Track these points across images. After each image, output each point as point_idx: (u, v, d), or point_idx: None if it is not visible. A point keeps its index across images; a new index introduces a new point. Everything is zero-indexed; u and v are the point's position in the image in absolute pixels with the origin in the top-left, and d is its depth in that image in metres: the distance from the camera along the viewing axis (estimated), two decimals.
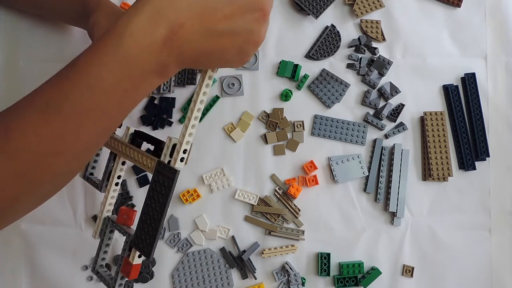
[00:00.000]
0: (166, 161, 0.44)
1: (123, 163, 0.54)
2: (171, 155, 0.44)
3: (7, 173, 0.32)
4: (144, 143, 0.52)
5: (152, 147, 0.49)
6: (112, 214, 0.55)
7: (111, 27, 0.35)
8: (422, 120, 0.70)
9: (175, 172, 0.42)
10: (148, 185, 0.68)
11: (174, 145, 0.44)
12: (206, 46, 0.36)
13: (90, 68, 0.34)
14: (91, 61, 0.34)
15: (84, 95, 0.34)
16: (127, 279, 0.47)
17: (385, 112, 0.69)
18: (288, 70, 0.69)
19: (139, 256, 0.45)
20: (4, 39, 0.70)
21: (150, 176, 0.68)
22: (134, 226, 0.47)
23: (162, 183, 0.42)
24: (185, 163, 0.44)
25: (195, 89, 0.46)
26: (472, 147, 0.70)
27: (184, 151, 0.43)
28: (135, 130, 0.53)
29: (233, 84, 0.70)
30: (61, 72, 0.35)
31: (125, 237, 0.47)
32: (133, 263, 0.45)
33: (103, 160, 0.60)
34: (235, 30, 0.37)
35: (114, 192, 0.53)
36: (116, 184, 0.54)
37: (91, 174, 0.60)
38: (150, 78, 0.36)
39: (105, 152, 0.59)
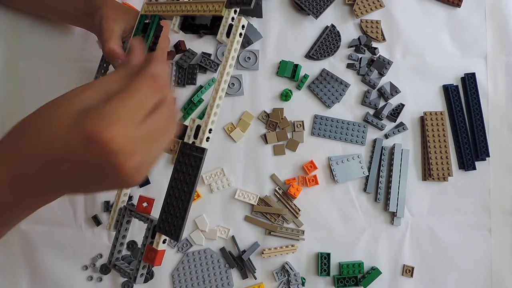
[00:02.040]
0: (190, 142, 0.45)
1: None
2: (195, 137, 0.45)
3: None
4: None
5: None
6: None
7: None
8: (422, 120, 0.70)
9: (203, 151, 0.43)
10: (148, 185, 0.68)
11: (198, 126, 0.45)
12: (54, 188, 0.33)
13: None
14: None
15: None
16: (147, 266, 0.46)
17: (385, 112, 0.69)
18: (288, 70, 0.69)
19: (163, 242, 0.45)
20: (4, 39, 0.70)
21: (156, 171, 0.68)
22: (153, 214, 0.47)
23: (189, 163, 0.43)
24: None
25: (219, 69, 0.47)
26: (472, 147, 0.70)
27: (210, 131, 0.44)
28: None
29: (233, 84, 0.70)
30: None
31: (146, 224, 0.47)
32: (158, 249, 0.45)
33: None
34: (82, 174, 0.31)
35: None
36: None
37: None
38: None
39: None
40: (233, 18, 0.46)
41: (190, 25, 0.52)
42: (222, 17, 0.46)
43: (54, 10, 0.63)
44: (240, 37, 0.46)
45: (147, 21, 0.57)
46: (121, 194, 0.53)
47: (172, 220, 0.43)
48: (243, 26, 0.45)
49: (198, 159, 0.42)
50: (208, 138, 0.44)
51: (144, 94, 0.32)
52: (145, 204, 0.49)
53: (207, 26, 0.51)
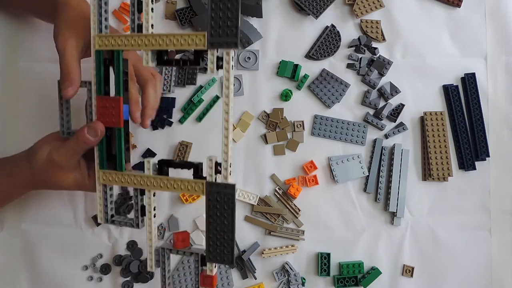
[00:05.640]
0: (213, 180, 0.46)
1: (154, 194, 0.51)
2: (215, 173, 0.47)
3: None
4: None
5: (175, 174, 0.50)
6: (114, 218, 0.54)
7: None
8: (422, 120, 0.70)
9: (233, 187, 0.45)
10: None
11: (216, 163, 0.46)
12: None
13: None
14: None
15: None
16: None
17: (385, 112, 0.69)
18: (288, 70, 0.69)
19: (215, 266, 0.49)
20: (4, 39, 0.70)
21: None
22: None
23: (221, 200, 0.46)
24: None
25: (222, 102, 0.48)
26: (472, 147, 0.70)
27: (230, 165, 0.46)
28: (159, 161, 0.50)
29: (233, 84, 0.70)
30: None
31: (192, 256, 0.51)
32: (213, 275, 0.49)
33: None
34: None
35: (154, 224, 0.52)
36: (154, 215, 0.52)
37: (112, 216, 0.55)
38: None
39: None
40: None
41: (168, 60, 0.48)
42: (206, 50, 0.44)
43: (27, 8, 0.64)
44: (232, 68, 0.45)
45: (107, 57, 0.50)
46: (152, 238, 0.52)
47: (222, 249, 0.47)
48: (233, 58, 0.45)
49: (230, 195, 0.45)
50: (230, 172, 0.46)
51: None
52: (183, 241, 0.52)
53: (191, 60, 0.47)
